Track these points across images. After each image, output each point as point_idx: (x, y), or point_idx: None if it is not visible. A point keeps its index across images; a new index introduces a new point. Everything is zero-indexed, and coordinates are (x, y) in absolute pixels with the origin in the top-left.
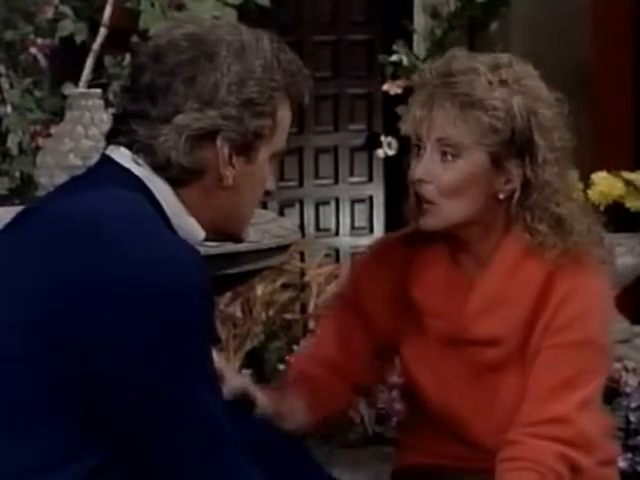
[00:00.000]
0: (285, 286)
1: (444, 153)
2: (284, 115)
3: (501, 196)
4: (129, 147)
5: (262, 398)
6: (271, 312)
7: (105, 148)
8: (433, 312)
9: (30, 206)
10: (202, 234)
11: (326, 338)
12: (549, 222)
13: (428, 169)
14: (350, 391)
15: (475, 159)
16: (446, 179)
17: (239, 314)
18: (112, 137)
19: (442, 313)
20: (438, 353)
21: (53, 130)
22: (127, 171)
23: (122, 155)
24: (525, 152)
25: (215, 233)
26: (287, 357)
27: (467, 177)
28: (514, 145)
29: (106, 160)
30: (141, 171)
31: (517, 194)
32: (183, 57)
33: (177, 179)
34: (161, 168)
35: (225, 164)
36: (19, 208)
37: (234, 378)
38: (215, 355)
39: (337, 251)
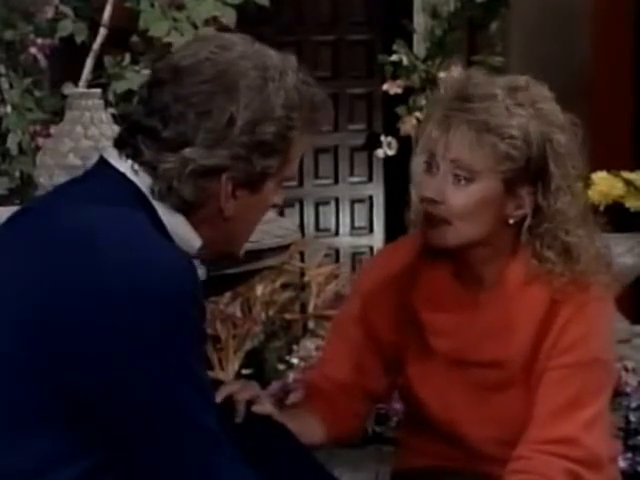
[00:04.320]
0: (285, 286)
1: (457, 175)
2: (298, 149)
3: (511, 221)
4: (132, 159)
5: (275, 412)
6: (271, 312)
7: (104, 150)
8: (438, 331)
9: (27, 207)
10: (199, 242)
11: (338, 358)
12: (558, 250)
13: (440, 189)
14: (368, 409)
15: (488, 184)
16: (458, 202)
17: (239, 314)
18: (118, 145)
19: (447, 333)
20: (442, 371)
21: (53, 130)
22: (125, 178)
23: (122, 163)
24: (538, 179)
25: (211, 252)
26: (287, 358)
27: (479, 201)
28: (528, 172)
29: (104, 164)
30: (139, 180)
31: (528, 220)
32: (203, 87)
33: (176, 208)
34: (160, 194)
35: (227, 198)
36: (19, 208)
37: (244, 388)
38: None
39: (337, 251)
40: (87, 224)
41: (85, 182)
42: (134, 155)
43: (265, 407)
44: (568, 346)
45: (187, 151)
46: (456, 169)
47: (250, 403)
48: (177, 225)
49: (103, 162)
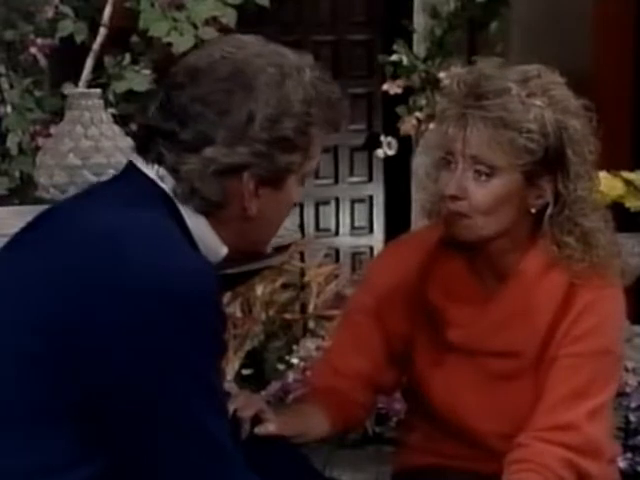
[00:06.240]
0: (285, 286)
1: (477, 171)
2: (317, 146)
3: (533, 210)
4: (157, 164)
5: (276, 420)
6: (271, 312)
7: (131, 155)
8: (450, 321)
9: (55, 207)
10: (224, 250)
11: (348, 349)
12: (577, 236)
13: (461, 186)
14: (373, 400)
15: (509, 179)
16: (480, 198)
17: (239, 314)
18: (140, 150)
19: (460, 323)
20: (453, 363)
21: (53, 130)
22: (153, 183)
23: (149, 168)
24: (557, 168)
25: (237, 253)
26: (287, 358)
27: (501, 196)
28: (547, 162)
29: (133, 169)
30: (165, 184)
31: (550, 208)
32: (220, 86)
33: (200, 209)
34: (183, 196)
35: (250, 197)
36: (19, 208)
37: (249, 403)
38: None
39: (337, 251)
40: (117, 226)
41: (114, 186)
42: (158, 160)
43: (268, 427)
44: (581, 335)
45: (208, 151)
46: (476, 165)
47: (254, 418)
48: (202, 231)
49: (132, 167)
